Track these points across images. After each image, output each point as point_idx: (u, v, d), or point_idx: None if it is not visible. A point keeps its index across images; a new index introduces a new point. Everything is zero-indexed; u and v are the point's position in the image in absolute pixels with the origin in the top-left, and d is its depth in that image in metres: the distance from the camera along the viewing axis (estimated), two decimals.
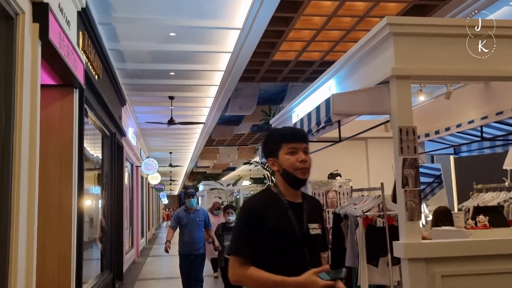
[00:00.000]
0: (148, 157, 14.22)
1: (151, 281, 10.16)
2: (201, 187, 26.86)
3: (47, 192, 4.62)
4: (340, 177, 6.28)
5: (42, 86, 4.71)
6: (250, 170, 32.70)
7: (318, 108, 3.92)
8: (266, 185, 10.83)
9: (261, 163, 10.83)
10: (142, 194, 18.16)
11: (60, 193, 4.68)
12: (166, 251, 7.24)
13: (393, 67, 3.50)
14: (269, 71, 10.09)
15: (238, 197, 22.35)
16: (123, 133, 9.71)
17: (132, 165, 13.05)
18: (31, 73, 3.41)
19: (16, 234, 2.95)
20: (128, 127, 11.47)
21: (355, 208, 4.50)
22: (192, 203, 7.06)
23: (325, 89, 5.08)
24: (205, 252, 7.21)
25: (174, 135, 16.26)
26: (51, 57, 3.88)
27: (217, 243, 6.83)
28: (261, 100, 11.26)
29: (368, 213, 4.38)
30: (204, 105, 11.41)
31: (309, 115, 4.30)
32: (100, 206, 7.55)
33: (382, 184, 4.44)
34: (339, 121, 4.99)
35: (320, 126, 3.99)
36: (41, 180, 4.59)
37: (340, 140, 5.08)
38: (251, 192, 27.89)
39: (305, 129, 4.44)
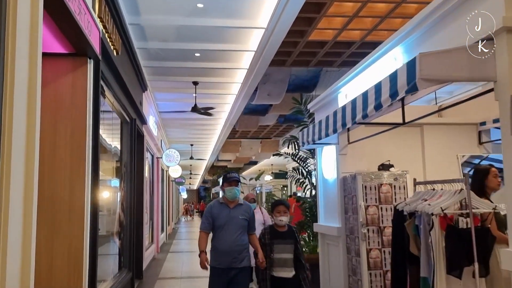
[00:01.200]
0: (169, 148, 13.52)
1: (172, 281, 9.44)
2: (221, 180, 26.13)
3: (55, 184, 3.89)
4: (393, 168, 5.40)
5: (50, 55, 3.96)
6: (272, 164, 31.92)
7: (394, 76, 3.07)
8: (297, 180, 9.95)
9: (292, 154, 9.96)
10: (163, 187, 17.51)
11: (71, 185, 3.94)
12: (204, 267, 4.63)
13: (504, 16, 2.62)
14: (302, 53, 9.22)
15: (259, 191, 21.54)
16: (144, 121, 8.99)
17: (152, 156, 12.36)
18: (30, 28, 2.54)
19: (5, 237, 2.17)
20: (149, 115, 10.75)
21: (429, 205, 3.63)
22: (235, 193, 4.69)
23: (387, 60, 4.21)
24: (250, 264, 4.76)
25: (196, 126, 15.53)
26: (57, 11, 3.10)
27: (261, 255, 4.62)
28: (291, 88, 10.40)
29: (447, 211, 3.51)
30: (229, 92, 10.61)
31: (377, 86, 3.44)
32: (118, 199, 6.82)
33: (465, 175, 3.55)
34: (402, 100, 4.13)
35: (397, 98, 3.13)
36: (48, 170, 3.87)
37: (404, 122, 4.22)
38: (273, 187, 27.09)
39: (370, 105, 3.58)
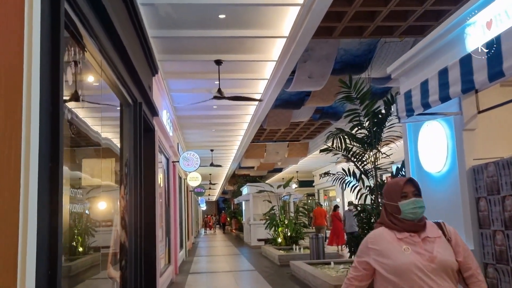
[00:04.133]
0: (187, 151, 11.48)
1: None
2: (245, 190, 23.98)
3: None
4: None
5: None
6: (297, 172, 29.72)
7: None
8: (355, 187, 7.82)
9: (345, 149, 7.82)
10: (181, 198, 15.47)
11: None
12: None
13: None
14: (356, 17, 7.11)
15: (287, 200, 19.30)
16: (154, 111, 6.96)
17: (168, 160, 10.34)
18: None
19: None
20: (162, 109, 8.74)
21: None
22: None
23: None
24: None
25: (217, 126, 13.50)
26: None
27: None
28: (338, 67, 8.29)
29: None
30: (260, 75, 8.54)
31: None
32: (116, 212, 4.77)
33: None
34: None
35: None
36: None
37: None
38: (303, 196, 24.75)
39: None
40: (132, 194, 5.29)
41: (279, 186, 17.47)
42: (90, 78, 3.83)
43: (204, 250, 20.30)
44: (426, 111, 3.40)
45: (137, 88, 5.64)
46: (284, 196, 18.91)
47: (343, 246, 17.05)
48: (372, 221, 7.51)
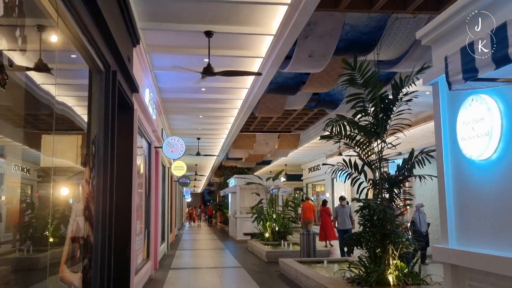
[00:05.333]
0: (172, 136, 10.51)
1: None
2: (232, 181, 23.09)
3: None
4: None
5: None
6: (285, 165, 28.90)
7: None
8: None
9: (348, 137, 7.02)
10: (164, 188, 14.55)
11: None
12: None
13: None
14: None
15: (275, 193, 18.43)
16: (134, 86, 6.07)
17: (149, 144, 9.42)
18: None
19: None
20: (144, 87, 7.83)
21: None
22: None
23: None
24: None
25: (205, 112, 12.59)
26: None
27: None
28: (342, 46, 7.44)
29: None
30: (256, 53, 7.66)
31: None
32: (76, 200, 3.87)
33: None
34: None
35: None
36: None
37: None
38: (292, 190, 23.96)
39: None
40: (101, 179, 4.39)
41: (268, 179, 16.64)
42: (36, 22, 2.91)
43: (188, 243, 19.43)
44: (485, 77, 2.58)
45: (111, 53, 4.74)
46: (272, 189, 18.04)
47: (331, 242, 16.49)
48: (375, 218, 6.73)
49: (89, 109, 4.34)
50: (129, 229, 5.94)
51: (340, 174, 7.54)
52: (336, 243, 17.18)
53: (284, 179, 28.18)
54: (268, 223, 15.68)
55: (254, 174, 24.64)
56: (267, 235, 15.61)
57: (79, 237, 3.76)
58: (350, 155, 7.54)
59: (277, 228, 15.44)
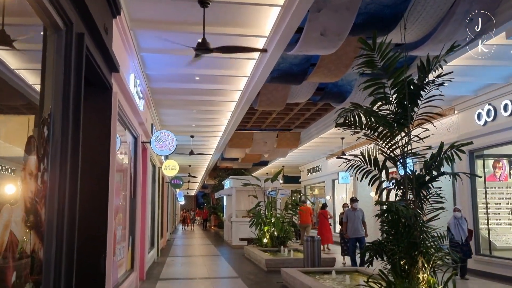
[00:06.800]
0: (161, 130, 9.33)
1: None
2: (228, 183, 21.92)
3: None
4: None
5: None
6: (283, 166, 27.74)
7: None
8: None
9: (370, 127, 5.94)
10: (154, 189, 13.40)
11: None
12: None
13: None
14: None
15: (273, 195, 17.25)
16: (112, 62, 4.94)
17: (136, 139, 8.28)
18: None
19: None
20: (128, 70, 6.73)
21: None
22: None
23: None
24: None
25: (199, 105, 11.49)
26: None
27: None
28: (360, 22, 6.34)
29: None
30: (258, 31, 6.57)
31: None
32: (13, 202, 2.73)
33: None
34: None
35: None
36: None
37: None
38: (291, 193, 22.89)
39: None
40: (57, 172, 3.26)
41: (266, 180, 15.53)
42: None
43: (180, 249, 18.26)
44: None
45: (76, 9, 3.62)
46: (270, 192, 16.90)
47: (328, 246, 15.47)
48: (400, 225, 5.64)
49: (42, 79, 3.22)
50: (104, 237, 4.80)
51: (357, 171, 6.40)
52: (333, 247, 16.15)
53: (281, 181, 27.07)
54: (266, 228, 14.56)
55: (252, 175, 23.49)
56: (265, 240, 14.48)
57: (15, 253, 2.62)
58: (355, 155, 6.42)
59: (276, 233, 14.32)
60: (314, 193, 27.76)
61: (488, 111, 9.78)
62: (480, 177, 10.38)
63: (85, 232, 4.48)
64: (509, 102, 9.19)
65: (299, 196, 27.59)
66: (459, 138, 9.96)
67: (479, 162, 10.66)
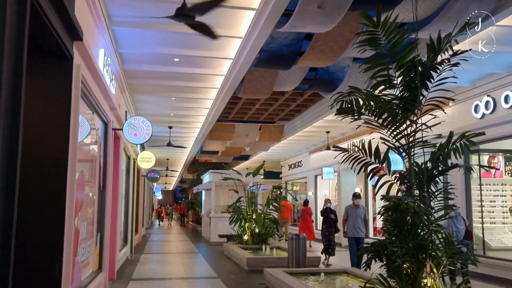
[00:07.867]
0: (135, 116, 8.43)
1: None
2: (207, 177, 21.06)
3: None
4: None
5: None
6: (264, 161, 26.98)
7: None
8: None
9: (374, 112, 5.23)
10: (128, 182, 12.49)
11: None
12: None
13: None
14: None
15: (254, 191, 16.45)
16: (73, 27, 4.08)
17: (106, 125, 7.40)
18: None
19: None
20: (97, 45, 5.86)
21: None
22: None
23: None
24: None
25: (178, 92, 10.64)
26: None
27: None
28: None
29: None
30: (247, 4, 5.79)
31: None
32: None
33: None
34: None
35: None
36: None
37: None
38: (272, 188, 22.33)
39: None
40: None
41: (248, 174, 14.77)
42: None
43: (156, 246, 17.37)
44: None
45: None
46: (251, 187, 16.10)
47: (311, 243, 14.92)
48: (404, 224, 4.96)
49: None
50: (60, 238, 3.96)
51: (353, 163, 5.68)
52: (315, 244, 15.55)
53: (262, 177, 26.34)
54: (247, 224, 13.80)
55: (232, 169, 22.62)
56: (245, 237, 13.72)
57: None
58: (341, 148, 5.69)
59: (257, 230, 13.57)
60: (293, 189, 27.13)
61: (487, 102, 9.21)
62: (498, 169, 9.97)
63: (33, 231, 3.66)
64: (510, 94, 8.62)
65: (279, 192, 26.94)
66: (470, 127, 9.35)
67: (474, 158, 10.10)
